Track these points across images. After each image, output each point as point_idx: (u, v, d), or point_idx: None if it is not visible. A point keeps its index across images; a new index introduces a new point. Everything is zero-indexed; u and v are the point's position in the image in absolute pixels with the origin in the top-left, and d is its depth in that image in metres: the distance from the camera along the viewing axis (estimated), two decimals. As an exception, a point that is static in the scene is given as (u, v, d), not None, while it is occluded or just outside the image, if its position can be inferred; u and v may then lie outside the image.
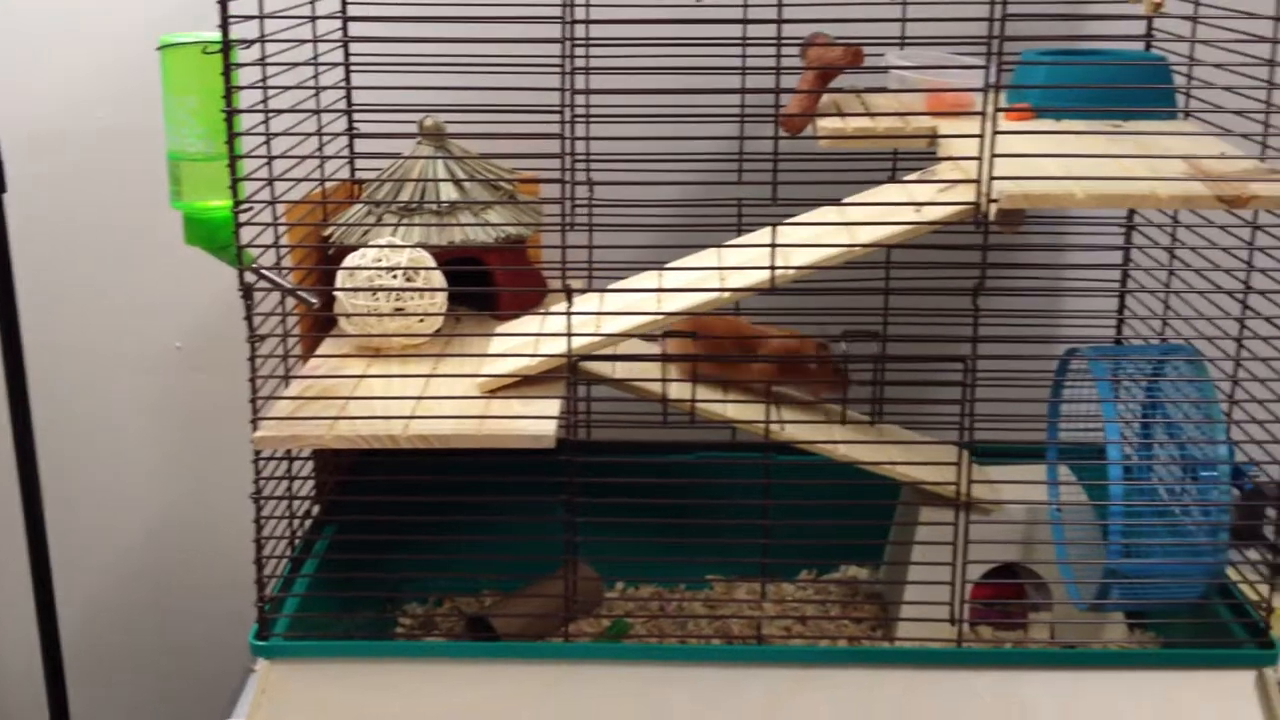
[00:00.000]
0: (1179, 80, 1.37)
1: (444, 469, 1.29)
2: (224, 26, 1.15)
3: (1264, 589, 1.28)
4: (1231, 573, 1.33)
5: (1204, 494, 1.25)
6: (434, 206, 1.40)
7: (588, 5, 1.34)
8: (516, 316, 1.41)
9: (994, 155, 1.16)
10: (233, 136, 1.17)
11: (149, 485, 1.78)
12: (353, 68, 1.49)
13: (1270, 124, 1.21)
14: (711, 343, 1.33)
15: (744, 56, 1.34)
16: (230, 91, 1.16)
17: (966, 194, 1.19)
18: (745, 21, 1.30)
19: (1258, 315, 1.23)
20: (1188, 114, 1.36)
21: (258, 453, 1.24)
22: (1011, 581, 1.42)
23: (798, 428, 1.35)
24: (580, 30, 1.21)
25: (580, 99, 1.31)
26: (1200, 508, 1.25)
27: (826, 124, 1.33)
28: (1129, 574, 1.26)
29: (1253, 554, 1.31)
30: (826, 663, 1.25)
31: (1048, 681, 1.24)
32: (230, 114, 1.17)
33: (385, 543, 1.30)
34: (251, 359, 1.23)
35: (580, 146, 1.42)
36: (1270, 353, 1.22)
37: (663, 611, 1.54)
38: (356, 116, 1.51)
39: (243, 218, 1.22)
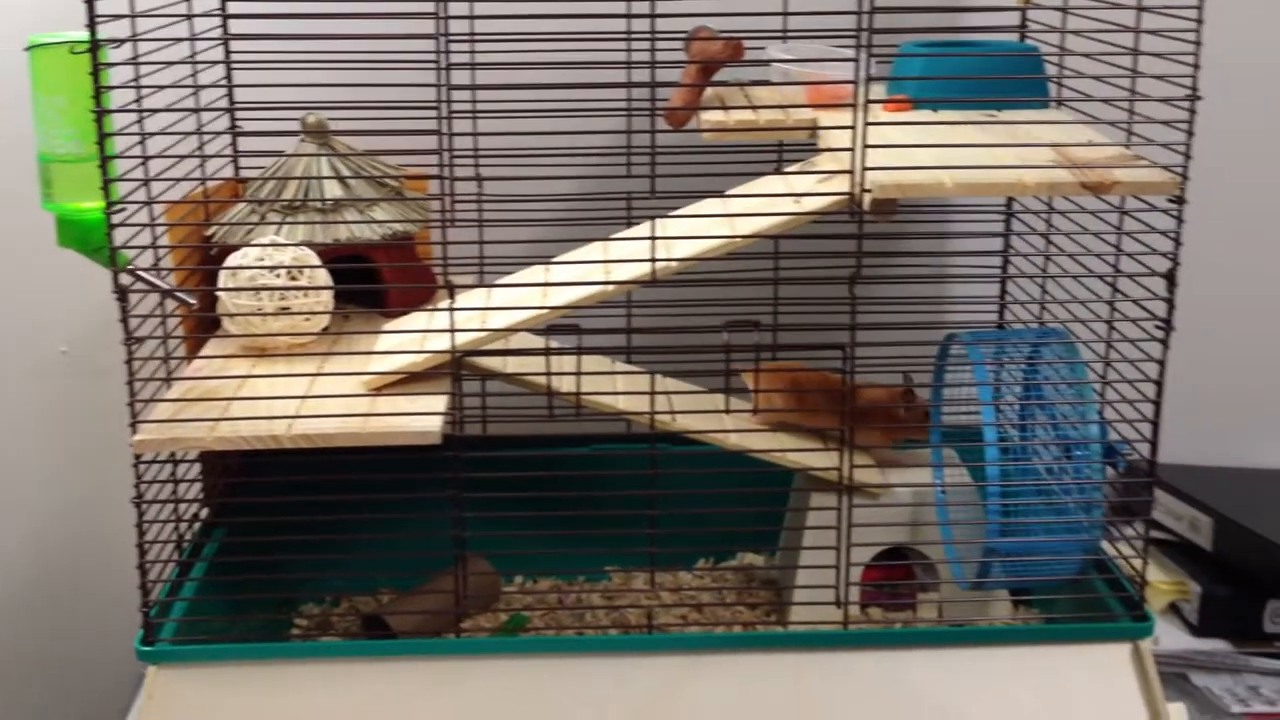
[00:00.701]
0: (1051, 70, 1.41)
1: (337, 468, 1.29)
2: (91, 26, 1.13)
3: (1138, 564, 1.31)
4: (1111, 549, 1.37)
5: (1078, 473, 1.28)
6: (318, 204, 1.39)
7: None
8: (405, 314, 1.41)
9: (866, 146, 1.18)
10: (103, 137, 1.16)
11: (37, 493, 1.75)
12: (234, 65, 1.47)
13: (1135, 112, 1.24)
14: (803, 396, 1.36)
15: (629, 50, 1.35)
16: (99, 91, 1.15)
17: (843, 184, 1.21)
18: (627, 16, 1.31)
19: (1126, 298, 1.27)
20: (1060, 103, 1.40)
21: (138, 457, 1.23)
22: (900, 564, 1.45)
23: (688, 418, 1.36)
24: (456, 26, 1.21)
25: (466, 94, 1.31)
26: (1075, 486, 1.29)
27: (710, 117, 1.34)
28: (1007, 552, 1.29)
29: (1129, 530, 1.35)
30: (715, 649, 1.27)
31: (931, 660, 1.26)
32: (100, 114, 1.15)
33: (277, 544, 1.29)
34: (129, 362, 1.21)
35: (468, 142, 1.42)
36: (1138, 334, 1.26)
37: (561, 604, 1.55)
38: (239, 114, 1.49)
39: (117, 218, 1.20)
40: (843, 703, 1.25)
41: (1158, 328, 1.24)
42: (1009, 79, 1.36)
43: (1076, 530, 1.28)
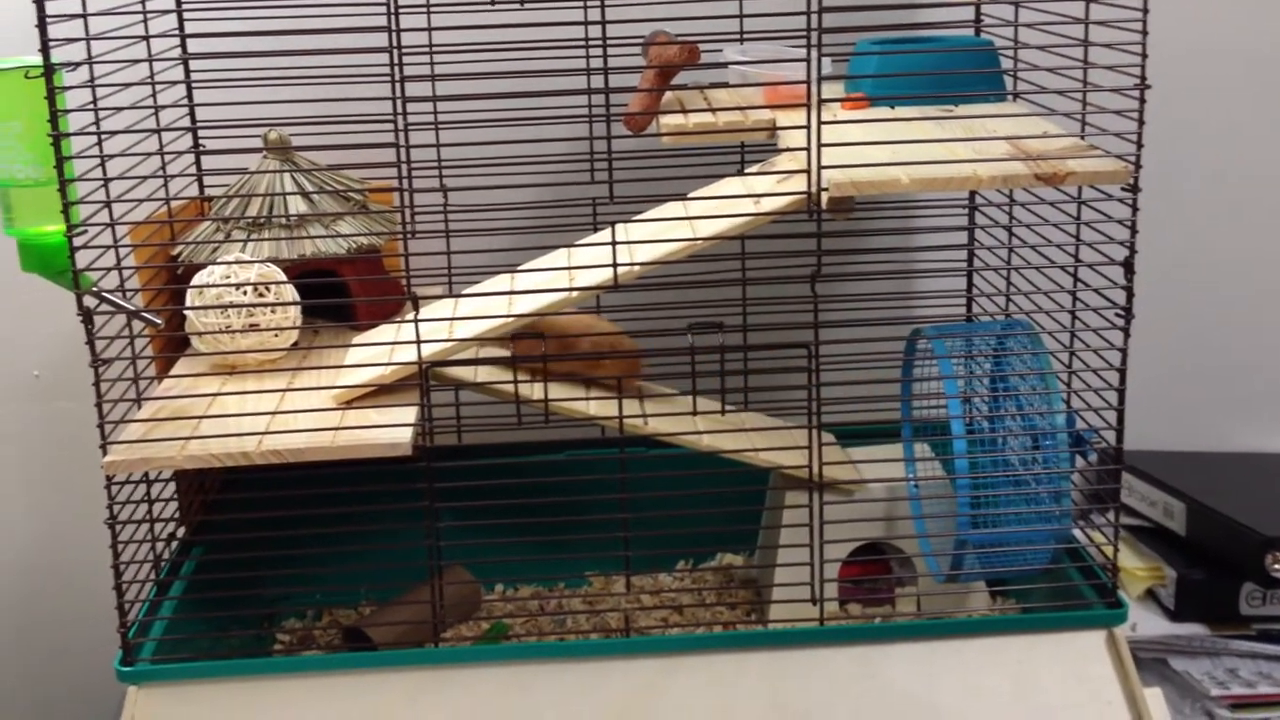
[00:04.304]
0: (1006, 63, 1.41)
1: (314, 482, 1.29)
2: (45, 50, 1.14)
3: (1110, 551, 1.32)
4: (1083, 537, 1.37)
5: (1047, 462, 1.29)
6: (283, 220, 1.40)
7: (428, 10, 1.35)
8: (374, 326, 1.42)
9: (822, 145, 1.18)
10: (61, 160, 1.16)
11: (14, 516, 1.75)
12: (194, 85, 1.48)
13: (1088, 102, 1.25)
14: (552, 342, 1.35)
15: (587, 58, 1.35)
16: (55, 115, 1.15)
17: (801, 184, 1.22)
18: (583, 23, 1.31)
19: (1088, 287, 1.28)
20: (1015, 95, 1.41)
21: (109, 478, 1.23)
22: (877, 559, 1.46)
23: (660, 420, 1.37)
24: (414, 39, 1.22)
25: (426, 106, 1.32)
26: (1044, 475, 1.30)
27: (669, 120, 1.35)
28: (979, 543, 1.30)
29: (1100, 518, 1.36)
30: (693, 649, 1.27)
31: (907, 653, 1.27)
32: (58, 138, 1.16)
33: (256, 560, 1.29)
34: (96, 384, 1.22)
35: (432, 154, 1.43)
36: (1100, 323, 1.27)
37: (542, 610, 1.55)
38: (201, 133, 1.50)
39: (79, 241, 1.20)
40: (821, 699, 1.25)
41: (1119, 315, 1.25)
42: (964, 74, 1.37)
43: (1048, 520, 1.29)
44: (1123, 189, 1.23)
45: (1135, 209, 1.22)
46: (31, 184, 1.22)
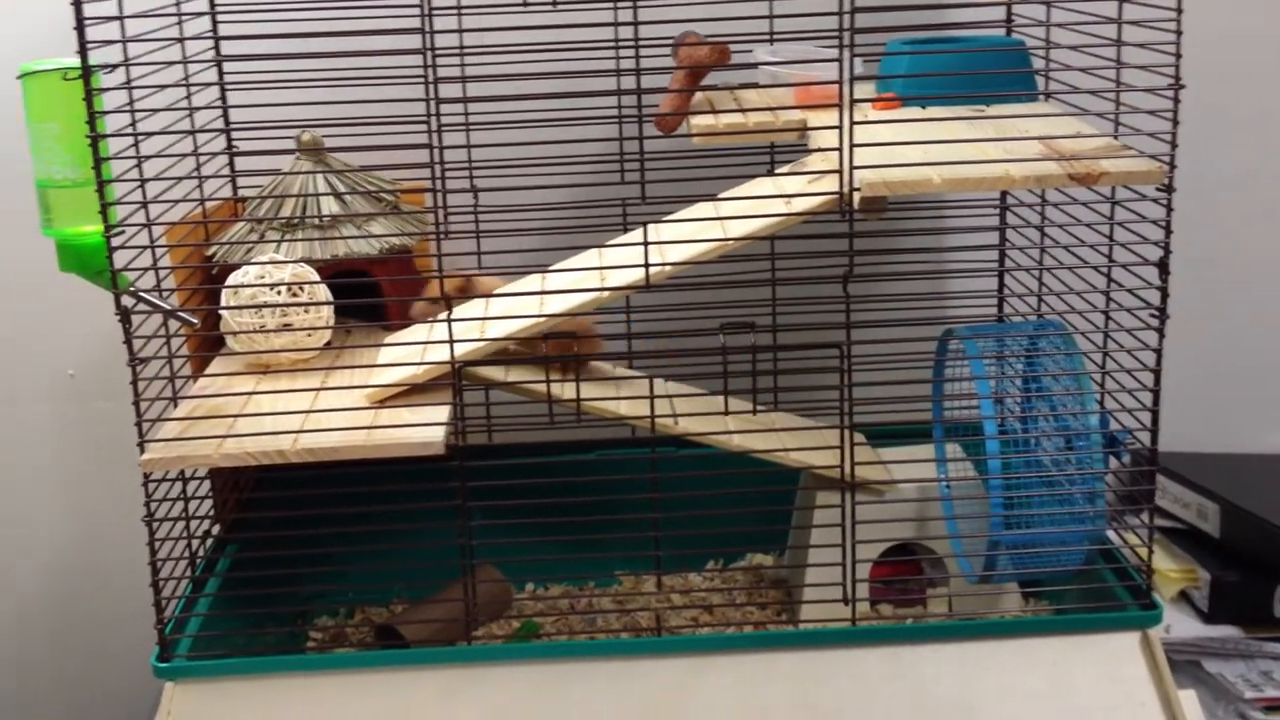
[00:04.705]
0: (1038, 63, 1.41)
1: (347, 481, 1.30)
2: (82, 52, 1.15)
3: (1145, 552, 1.31)
4: (1117, 538, 1.37)
5: (1080, 464, 1.29)
6: (316, 221, 1.40)
7: (459, 12, 1.36)
8: (406, 326, 1.42)
9: (854, 145, 1.18)
10: (99, 161, 1.17)
11: (51, 514, 1.77)
12: (228, 86, 1.49)
13: (1121, 102, 1.25)
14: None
15: (617, 58, 1.36)
16: (93, 117, 1.16)
17: (833, 184, 1.22)
18: (614, 25, 1.32)
19: (1121, 287, 1.27)
20: (1048, 95, 1.40)
21: (146, 475, 1.24)
22: (908, 559, 1.46)
23: (690, 420, 1.37)
24: (446, 40, 1.22)
25: (458, 107, 1.33)
26: (1077, 476, 1.29)
27: (699, 121, 1.35)
28: (1011, 544, 1.29)
29: (1134, 519, 1.35)
30: (724, 649, 1.27)
31: (940, 654, 1.27)
32: (95, 139, 1.17)
33: (290, 558, 1.30)
34: (134, 382, 1.23)
35: (463, 155, 1.43)
36: (1134, 323, 1.26)
37: (572, 609, 1.56)
38: (235, 134, 1.51)
39: (116, 241, 1.22)
40: (853, 700, 1.25)
41: (1153, 316, 1.25)
42: (996, 74, 1.36)
43: (1081, 521, 1.28)
44: (1157, 189, 1.22)
45: (1170, 209, 1.22)
46: (69, 185, 1.23)
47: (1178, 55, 1.17)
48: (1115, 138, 1.26)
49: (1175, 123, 1.18)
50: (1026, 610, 1.44)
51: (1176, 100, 1.18)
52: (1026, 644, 1.28)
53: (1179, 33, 1.17)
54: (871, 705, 1.25)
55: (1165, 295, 1.24)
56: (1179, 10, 1.17)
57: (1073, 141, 1.23)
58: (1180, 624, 1.54)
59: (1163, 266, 1.24)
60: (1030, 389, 1.37)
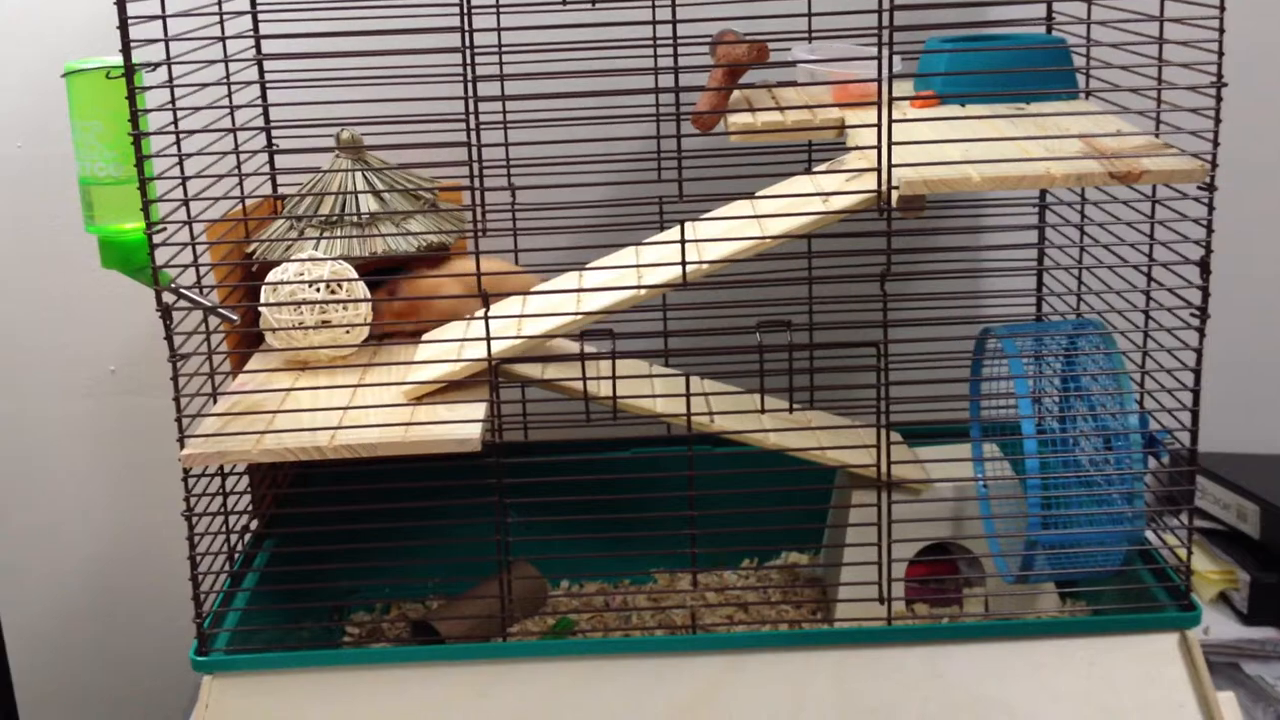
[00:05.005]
0: (1078, 61, 1.40)
1: (384, 477, 1.31)
2: (125, 51, 1.16)
3: (1184, 553, 1.31)
4: (1156, 539, 1.36)
5: (1119, 464, 1.28)
6: (354, 218, 1.41)
7: (498, 10, 1.36)
8: (443, 324, 1.43)
9: (892, 143, 1.18)
10: (141, 159, 1.18)
11: (91, 508, 1.79)
12: (268, 85, 1.50)
13: (1163, 100, 1.24)
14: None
15: (655, 56, 1.36)
16: (136, 115, 1.17)
17: (871, 182, 1.22)
18: (651, 23, 1.32)
19: (1161, 286, 1.26)
20: (1088, 94, 1.39)
21: (186, 470, 1.26)
22: (945, 559, 1.45)
23: (726, 418, 1.37)
24: (484, 38, 1.23)
25: (495, 106, 1.33)
26: (1116, 477, 1.28)
27: (737, 119, 1.35)
28: (1049, 544, 1.29)
29: (1173, 520, 1.34)
30: (759, 647, 1.27)
31: (976, 654, 1.26)
32: (138, 137, 1.18)
33: (327, 553, 1.31)
34: (174, 378, 1.24)
35: (500, 153, 1.44)
36: (1175, 322, 1.25)
37: (607, 607, 1.56)
38: (275, 133, 1.52)
39: (158, 239, 1.23)
40: (888, 698, 1.25)
41: (1194, 315, 1.24)
42: (1035, 71, 1.35)
43: (1119, 521, 1.28)
44: (1198, 188, 1.21)
45: (1212, 207, 1.21)
46: (112, 182, 1.25)
47: (1220, 53, 1.16)
48: (1156, 136, 1.25)
49: (1218, 121, 1.18)
50: (1063, 611, 1.43)
51: (1219, 98, 1.17)
52: (1064, 644, 1.27)
53: (1222, 30, 1.16)
54: (907, 704, 1.24)
55: (1206, 295, 1.23)
56: (1222, 8, 1.16)
57: (1114, 140, 1.22)
58: (1219, 626, 1.53)
59: (1204, 266, 1.23)
60: (1069, 389, 1.36)
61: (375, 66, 1.26)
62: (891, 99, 1.18)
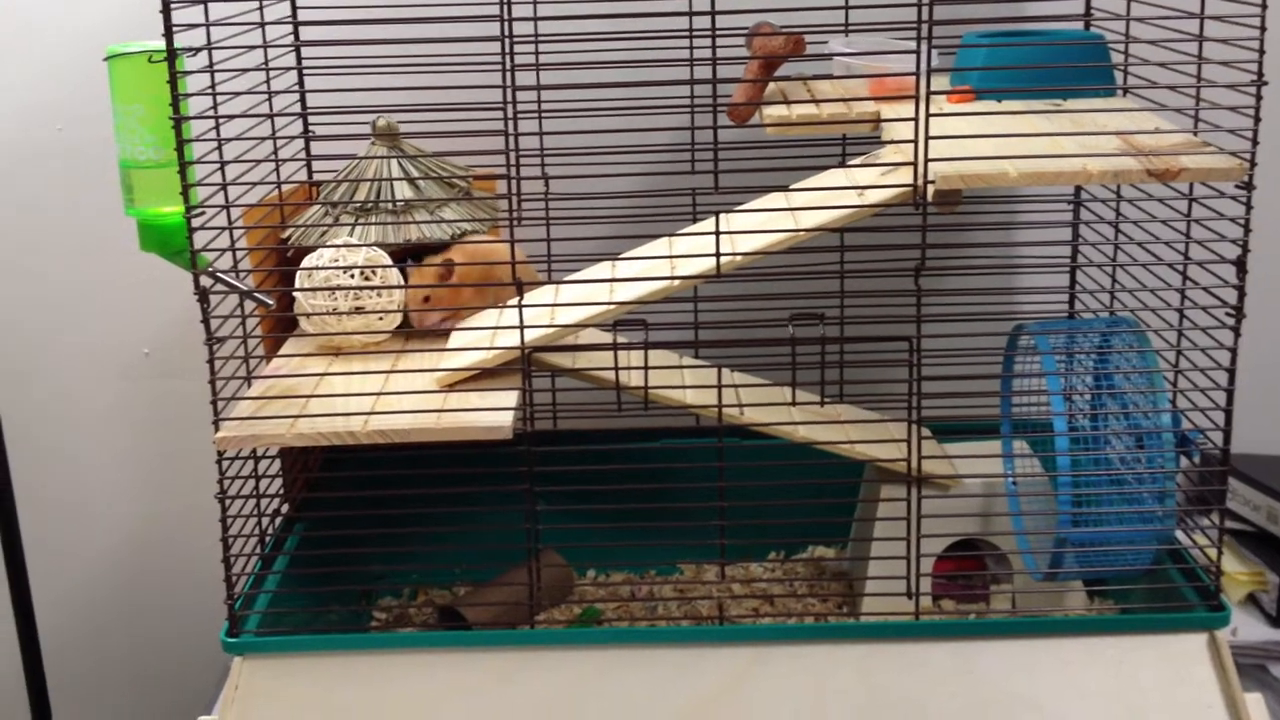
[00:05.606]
0: (1117, 58, 1.39)
1: (414, 463, 1.31)
2: (168, 35, 1.17)
3: (1214, 553, 1.30)
4: (1186, 539, 1.35)
5: (1150, 462, 1.27)
6: (389, 205, 1.42)
7: (535, 2, 1.36)
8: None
9: (929, 138, 1.18)
10: (181, 144, 1.19)
11: (123, 490, 1.81)
12: (306, 71, 1.51)
13: (1201, 98, 1.23)
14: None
15: (691, 48, 1.36)
16: (177, 99, 1.18)
17: (907, 177, 1.21)
18: (688, 14, 1.32)
19: (1197, 285, 1.26)
20: (1126, 90, 1.39)
21: (220, 453, 1.27)
22: (972, 555, 1.45)
23: (756, 411, 1.37)
24: (520, 28, 1.23)
25: (531, 95, 1.33)
26: (1147, 476, 1.28)
27: (772, 112, 1.35)
28: (1078, 542, 1.28)
29: (1204, 520, 1.33)
30: (785, 639, 1.28)
31: (1003, 651, 1.26)
32: (178, 121, 1.19)
33: (357, 538, 1.32)
34: (210, 361, 1.25)
35: (535, 142, 1.44)
36: (1210, 322, 1.25)
37: (634, 597, 1.56)
38: (312, 119, 1.53)
39: (196, 222, 1.24)
40: (915, 693, 1.25)
41: (1229, 315, 1.23)
42: (1073, 68, 1.35)
43: (1150, 520, 1.27)
44: (1236, 186, 1.20)
45: (1249, 206, 1.20)
46: (152, 165, 1.26)
47: (1261, 51, 1.16)
48: (1195, 134, 1.24)
49: (1257, 119, 1.17)
50: (1091, 609, 1.43)
51: (1259, 96, 1.17)
52: (1092, 642, 1.27)
53: (1263, 28, 1.15)
54: (933, 699, 1.25)
55: (1242, 294, 1.22)
56: (1264, 5, 1.15)
57: (1151, 137, 1.21)
58: (1247, 627, 1.52)
59: (1240, 265, 1.22)
60: (1101, 387, 1.35)
61: (412, 54, 1.27)
62: (929, 93, 1.17)
